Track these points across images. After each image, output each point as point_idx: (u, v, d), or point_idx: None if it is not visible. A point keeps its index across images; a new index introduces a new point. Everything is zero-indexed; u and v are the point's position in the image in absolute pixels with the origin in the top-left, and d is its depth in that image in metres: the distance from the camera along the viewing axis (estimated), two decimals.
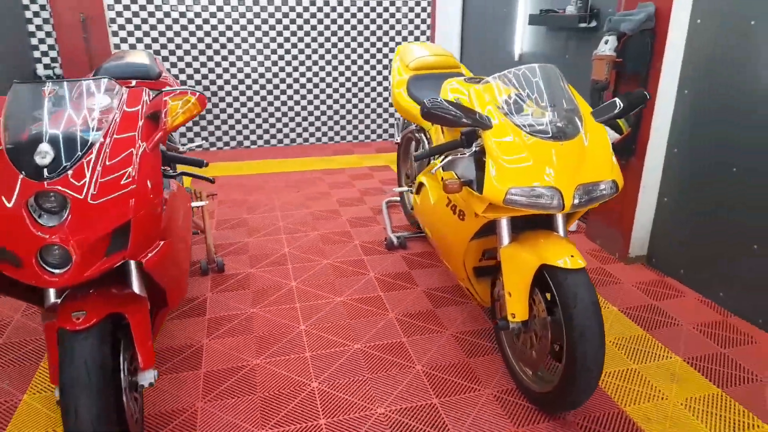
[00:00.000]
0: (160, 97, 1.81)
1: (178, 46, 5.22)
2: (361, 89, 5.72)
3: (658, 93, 2.89)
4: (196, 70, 5.33)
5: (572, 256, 1.88)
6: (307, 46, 5.48)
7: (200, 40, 5.24)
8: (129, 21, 5.05)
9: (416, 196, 2.72)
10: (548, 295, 1.96)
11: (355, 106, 5.76)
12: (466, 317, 2.70)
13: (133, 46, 5.13)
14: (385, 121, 5.91)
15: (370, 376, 2.30)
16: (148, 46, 5.16)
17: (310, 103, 5.64)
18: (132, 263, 1.69)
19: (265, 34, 5.37)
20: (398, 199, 4.07)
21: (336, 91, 5.67)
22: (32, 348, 2.47)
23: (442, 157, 2.17)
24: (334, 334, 2.57)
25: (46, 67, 4.97)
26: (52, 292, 1.71)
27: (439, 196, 2.33)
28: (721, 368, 2.33)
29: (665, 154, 3.02)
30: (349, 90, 5.68)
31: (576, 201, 1.85)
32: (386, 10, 5.52)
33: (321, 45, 5.50)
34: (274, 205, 4.21)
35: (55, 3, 4.74)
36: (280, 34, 5.38)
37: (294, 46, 5.45)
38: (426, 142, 2.96)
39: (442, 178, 1.99)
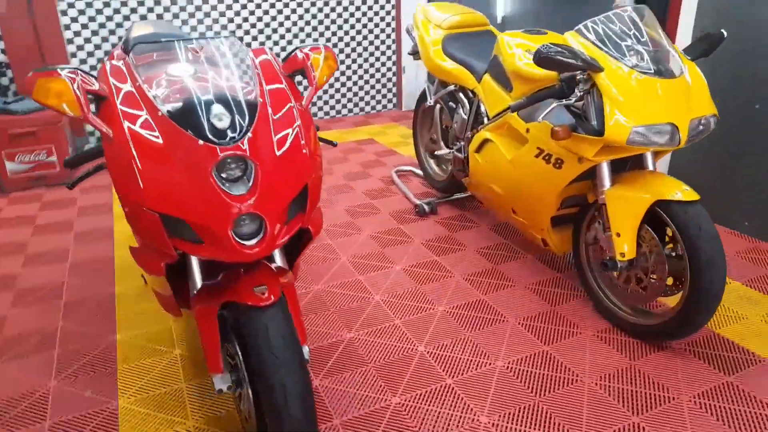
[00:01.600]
0: (295, 54, 1.68)
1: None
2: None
3: (677, 34, 3.06)
4: None
5: (685, 189, 1.97)
6: (273, 18, 5.25)
7: (161, 15, 4.88)
8: None
9: (477, 155, 2.72)
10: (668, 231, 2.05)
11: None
12: (530, 270, 2.76)
13: (85, 26, 4.68)
14: (355, 94, 5.82)
15: (470, 334, 2.31)
16: (102, 25, 4.73)
17: None
18: None
19: (229, 7, 5.08)
20: (407, 168, 4.05)
21: None
22: (97, 355, 2.25)
23: (544, 107, 2.18)
24: (412, 300, 2.55)
25: None
26: (197, 273, 1.57)
27: (525, 149, 2.34)
28: None
29: None
30: None
31: (690, 135, 1.94)
32: None
33: (279, 11, 5.29)
34: None
35: None
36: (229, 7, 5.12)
37: (252, 13, 5.21)
38: (467, 103, 2.95)
39: (553, 127, 2.02)
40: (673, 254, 2.05)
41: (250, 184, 1.35)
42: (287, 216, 1.42)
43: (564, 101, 2.04)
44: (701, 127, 1.99)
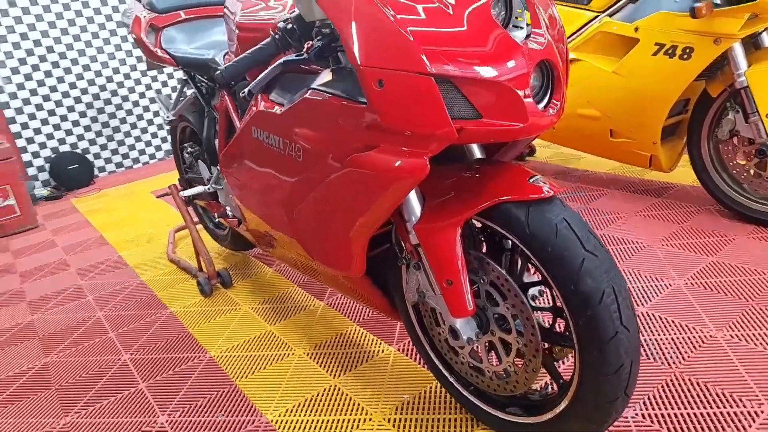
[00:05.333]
0: None
1: (69, 46, 4.22)
2: None
3: None
4: (98, 72, 4.36)
5: None
6: None
7: (89, 42, 4.30)
8: (4, 12, 3.94)
9: None
10: None
11: None
12: (626, 201, 2.54)
13: (9, 54, 4.01)
14: None
15: (621, 264, 2.03)
16: (29, 52, 4.08)
17: None
18: None
19: None
20: None
21: None
22: (199, 379, 1.73)
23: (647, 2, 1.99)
24: None
25: None
26: (415, 198, 1.17)
27: (637, 50, 2.12)
28: None
29: None
30: None
31: None
32: None
33: None
34: None
35: None
36: None
37: None
38: None
39: (694, 4, 1.82)
40: None
41: (527, 28, 1.01)
42: None
43: None
44: None
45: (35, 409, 1.67)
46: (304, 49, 1.16)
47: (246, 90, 1.24)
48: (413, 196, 1.18)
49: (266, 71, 1.23)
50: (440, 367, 1.42)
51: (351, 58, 0.99)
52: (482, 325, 1.22)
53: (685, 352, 1.52)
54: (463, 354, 1.31)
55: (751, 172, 2.11)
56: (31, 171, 4.22)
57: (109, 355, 1.91)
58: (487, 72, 0.95)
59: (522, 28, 1.02)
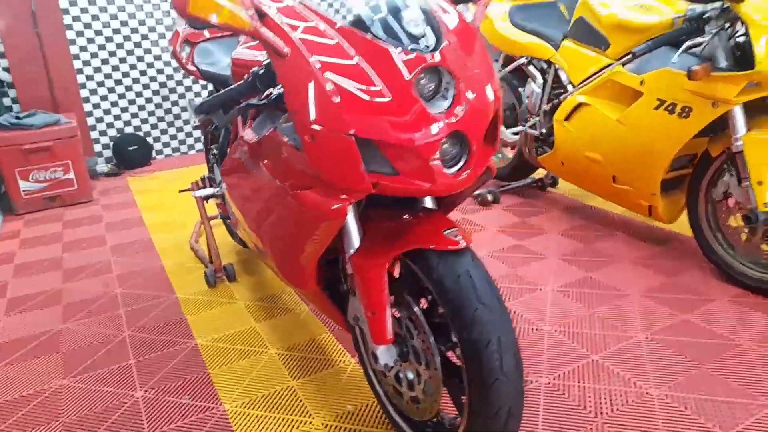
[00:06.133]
0: None
1: (144, 36, 4.60)
2: None
3: None
4: (167, 63, 4.73)
5: None
6: None
7: (162, 35, 4.65)
8: (85, 10, 4.35)
9: (566, 124, 2.53)
10: None
11: None
12: (628, 246, 2.56)
13: (91, 40, 4.42)
14: None
15: (593, 310, 2.08)
16: (108, 39, 4.48)
17: None
18: None
19: None
20: None
21: None
22: (180, 362, 1.94)
23: (657, 56, 2.02)
24: (513, 283, 2.31)
25: None
26: (354, 231, 1.31)
27: (640, 103, 2.16)
28: None
29: None
30: None
31: None
32: None
33: None
34: None
35: None
36: None
37: None
38: (539, 75, 2.78)
39: (690, 68, 1.85)
40: None
41: (450, 100, 1.13)
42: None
43: (696, 39, 1.88)
44: None
45: (41, 368, 1.93)
46: (264, 96, 1.32)
47: (197, 120, 1.44)
48: (354, 230, 1.32)
49: (231, 111, 1.42)
50: (376, 384, 1.56)
51: (291, 115, 1.15)
52: (403, 354, 1.35)
53: (616, 405, 1.59)
54: (389, 376, 1.44)
55: (742, 236, 2.10)
56: (97, 147, 4.64)
57: (114, 329, 2.16)
58: (401, 137, 1.08)
59: (447, 99, 1.14)
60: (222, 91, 1.40)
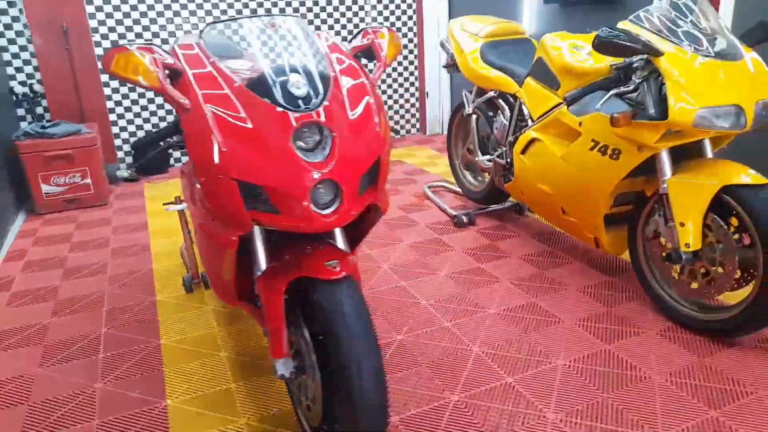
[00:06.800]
0: (361, 34, 1.68)
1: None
2: None
3: None
4: None
5: (752, 173, 1.91)
6: None
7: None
8: (113, 29, 4.71)
9: (522, 157, 2.68)
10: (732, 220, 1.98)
11: None
12: (580, 275, 2.67)
13: None
14: None
15: (525, 335, 2.22)
16: None
17: None
18: None
19: None
20: (439, 183, 4.01)
21: None
22: (142, 359, 2.18)
23: (597, 99, 2.15)
24: (460, 304, 2.46)
25: (22, 83, 4.53)
26: (262, 255, 1.51)
27: (578, 143, 2.29)
28: None
29: None
30: None
31: (756, 118, 1.88)
32: None
33: None
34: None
35: (30, 12, 4.34)
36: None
37: None
38: (507, 108, 2.93)
39: (612, 114, 1.98)
40: (740, 244, 1.97)
41: (327, 152, 1.32)
42: (360, 188, 1.38)
43: (621, 88, 2.01)
44: (766, 111, 1.94)
45: (21, 357, 2.20)
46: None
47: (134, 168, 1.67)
48: (261, 255, 1.52)
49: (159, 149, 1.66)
50: (291, 392, 1.75)
51: (190, 158, 1.37)
52: (302, 367, 1.54)
53: (512, 427, 1.73)
54: (294, 385, 1.63)
55: (673, 273, 2.20)
56: (120, 155, 4.99)
57: (94, 326, 2.42)
58: (278, 183, 1.28)
59: (326, 149, 1.33)
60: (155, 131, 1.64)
